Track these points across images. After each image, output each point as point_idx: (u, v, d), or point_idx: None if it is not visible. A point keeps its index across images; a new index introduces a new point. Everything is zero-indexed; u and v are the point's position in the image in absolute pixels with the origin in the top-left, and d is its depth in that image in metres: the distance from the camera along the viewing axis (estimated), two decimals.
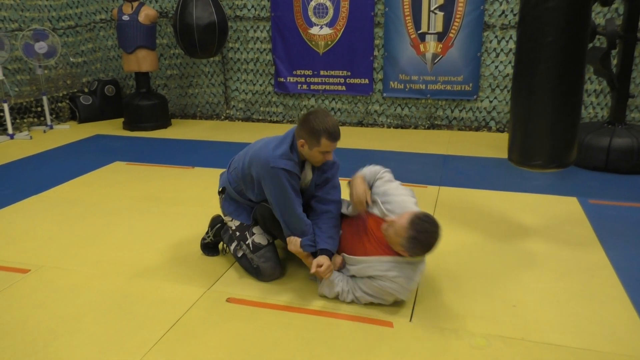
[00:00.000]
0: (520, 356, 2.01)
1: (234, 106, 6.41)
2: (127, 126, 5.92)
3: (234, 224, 2.70)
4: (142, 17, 5.60)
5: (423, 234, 2.14)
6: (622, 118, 4.31)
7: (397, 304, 2.36)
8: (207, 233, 2.92)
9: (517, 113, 2.87)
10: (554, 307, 2.34)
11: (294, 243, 2.45)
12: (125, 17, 5.60)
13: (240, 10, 6.01)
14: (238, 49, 6.16)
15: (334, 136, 2.35)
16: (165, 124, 6.01)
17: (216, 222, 2.91)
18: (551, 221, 3.27)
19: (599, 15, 4.98)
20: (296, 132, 2.43)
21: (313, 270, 2.33)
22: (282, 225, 2.49)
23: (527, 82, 2.77)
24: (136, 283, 2.59)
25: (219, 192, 2.78)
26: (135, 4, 5.63)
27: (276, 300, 2.41)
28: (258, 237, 2.63)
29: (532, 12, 2.65)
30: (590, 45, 4.51)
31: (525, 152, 2.87)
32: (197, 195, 3.83)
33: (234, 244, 2.72)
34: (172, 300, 2.42)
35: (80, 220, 3.40)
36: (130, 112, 5.86)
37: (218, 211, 3.40)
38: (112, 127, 6.07)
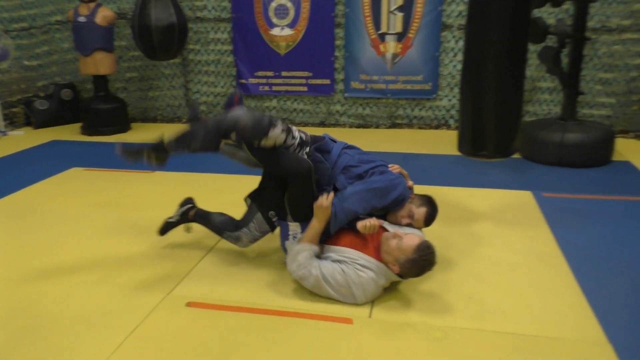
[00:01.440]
0: (476, 346, 2.07)
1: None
2: (86, 131, 5.78)
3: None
4: (99, 19, 5.49)
5: (424, 261, 2.26)
6: (574, 114, 4.48)
7: None
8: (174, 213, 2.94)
9: (465, 107, 3.00)
10: (508, 296, 2.41)
11: (327, 198, 2.41)
12: (82, 19, 5.48)
13: (201, 11, 5.96)
14: (199, 50, 6.10)
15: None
16: (124, 128, 5.91)
17: (186, 203, 2.96)
18: (506, 214, 3.37)
19: (550, 16, 5.15)
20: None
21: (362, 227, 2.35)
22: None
23: (474, 78, 2.89)
24: (93, 291, 2.55)
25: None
26: (92, 5, 5.52)
27: (237, 302, 2.41)
28: None
29: (479, 13, 2.76)
30: (543, 44, 4.66)
31: (473, 143, 3.01)
32: (157, 200, 3.78)
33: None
34: (131, 308, 2.39)
35: (35, 229, 3.31)
36: (89, 116, 5.74)
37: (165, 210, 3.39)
38: (70, 132, 5.93)
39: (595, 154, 4.29)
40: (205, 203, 3.63)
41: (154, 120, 6.44)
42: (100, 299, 2.47)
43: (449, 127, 5.74)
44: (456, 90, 5.64)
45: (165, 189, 3.98)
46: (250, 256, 2.87)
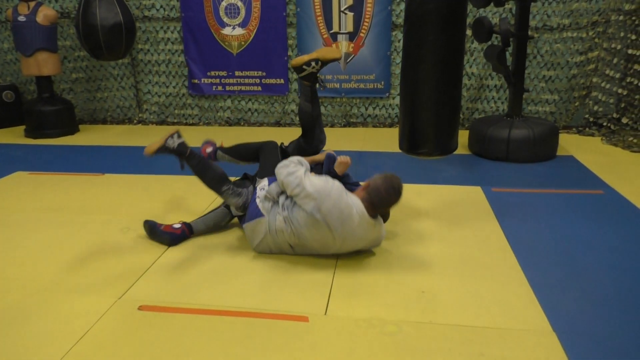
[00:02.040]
0: (428, 338, 2.11)
1: (147, 109, 6.20)
2: (30, 134, 5.55)
3: None
4: (40, 18, 5.28)
5: (390, 182, 2.65)
6: (519, 111, 4.64)
7: (312, 298, 2.39)
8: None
9: (405, 105, 3.05)
10: (459, 289, 2.47)
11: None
12: (22, 18, 5.25)
13: (149, 11, 5.82)
14: (148, 50, 5.97)
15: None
16: (72, 130, 5.71)
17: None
18: (456, 209, 3.46)
19: (495, 15, 5.31)
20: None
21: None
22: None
23: (412, 77, 2.95)
24: (39, 298, 2.45)
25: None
26: (32, 4, 5.30)
27: (190, 304, 2.37)
28: None
29: (415, 13, 2.82)
30: (488, 43, 4.81)
31: (413, 141, 3.06)
32: (107, 202, 3.67)
33: None
34: (79, 313, 2.31)
35: None
36: (33, 118, 5.51)
37: (130, 216, 3.33)
38: (13, 135, 5.68)
39: (541, 149, 4.45)
40: (156, 205, 3.57)
41: (104, 121, 6.26)
42: (47, 305, 2.37)
43: None
44: None
45: (115, 192, 3.87)
46: (203, 256, 2.83)
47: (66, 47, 5.99)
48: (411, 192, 3.78)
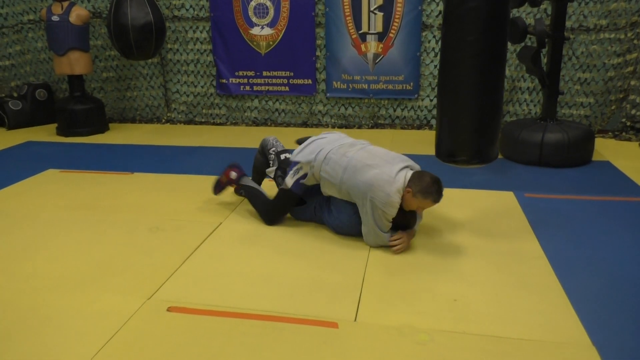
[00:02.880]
0: (461, 349, 2.05)
1: (175, 109, 6.25)
2: (61, 132, 5.65)
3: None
4: (73, 18, 5.36)
5: (434, 183, 2.81)
6: (554, 114, 4.51)
7: (341, 303, 2.35)
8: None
9: (443, 111, 2.95)
10: (493, 299, 2.40)
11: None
12: (55, 18, 5.34)
13: (178, 10, 5.86)
14: (177, 50, 6.01)
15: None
16: (102, 128, 5.78)
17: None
18: (489, 215, 3.37)
19: (529, 16, 5.19)
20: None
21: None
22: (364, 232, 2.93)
23: (451, 80, 2.85)
24: (70, 297, 2.46)
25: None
26: (66, 4, 5.38)
27: (219, 307, 2.35)
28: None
29: (455, 12, 2.73)
30: (522, 44, 4.69)
31: (451, 148, 2.96)
32: (136, 201, 3.69)
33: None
34: (110, 313, 2.32)
35: (9, 233, 3.20)
36: (64, 117, 5.60)
37: (159, 216, 3.34)
38: (45, 133, 5.78)
39: (576, 153, 4.32)
40: (184, 205, 3.57)
41: (133, 120, 6.32)
42: (78, 304, 2.39)
43: (431, 127, 5.74)
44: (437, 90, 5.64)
45: (144, 191, 3.89)
46: (232, 259, 2.81)
47: (97, 47, 6.07)
48: (445, 198, 3.70)
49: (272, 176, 3.36)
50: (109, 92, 6.26)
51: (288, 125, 6.03)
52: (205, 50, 5.97)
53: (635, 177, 4.04)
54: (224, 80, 6.00)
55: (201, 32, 5.91)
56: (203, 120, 6.21)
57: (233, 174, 3.43)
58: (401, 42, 5.56)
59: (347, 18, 5.58)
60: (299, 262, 2.78)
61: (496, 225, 3.22)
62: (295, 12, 5.66)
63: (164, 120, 6.26)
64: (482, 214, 3.41)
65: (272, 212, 3.23)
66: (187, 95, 6.17)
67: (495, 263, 2.75)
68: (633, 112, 5.15)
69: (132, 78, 6.20)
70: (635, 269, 2.65)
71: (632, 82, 5.10)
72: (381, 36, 5.58)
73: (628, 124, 5.17)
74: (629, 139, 5.06)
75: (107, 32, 5.75)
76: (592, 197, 3.65)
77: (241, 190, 3.44)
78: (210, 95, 6.13)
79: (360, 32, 5.60)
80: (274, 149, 3.40)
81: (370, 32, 5.59)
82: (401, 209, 2.84)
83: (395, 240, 2.84)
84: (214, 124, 6.18)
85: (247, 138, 5.51)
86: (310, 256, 2.83)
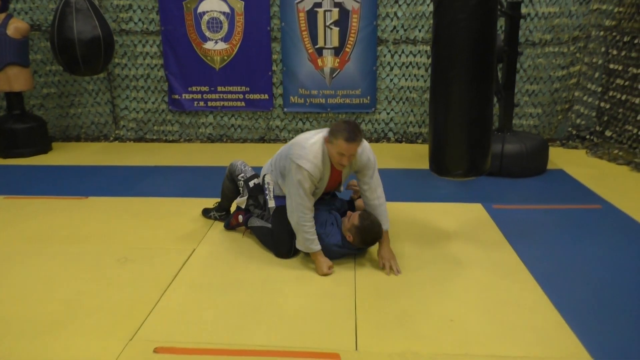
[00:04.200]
0: None
1: (124, 126, 5.94)
2: (0, 153, 5.22)
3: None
4: (11, 31, 4.98)
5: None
6: (510, 125, 4.67)
7: (339, 332, 2.28)
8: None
9: (436, 127, 2.97)
10: (487, 317, 2.41)
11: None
12: None
13: (126, 24, 5.60)
14: (126, 64, 5.73)
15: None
16: (45, 148, 5.40)
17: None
18: (464, 229, 3.41)
19: None
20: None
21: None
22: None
23: (444, 96, 2.89)
24: (41, 343, 2.23)
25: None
26: (2, 16, 5.00)
27: (211, 344, 2.21)
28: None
29: (446, 32, 2.76)
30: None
31: (446, 163, 2.99)
32: (97, 229, 3.44)
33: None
34: (89, 359, 2.12)
35: None
36: (3, 137, 5.18)
37: (125, 244, 3.15)
38: None
39: (533, 163, 4.48)
40: (151, 231, 3.37)
41: (77, 139, 5.95)
42: (50, 352, 2.17)
43: (388, 140, 5.80)
44: (394, 103, 5.71)
45: (104, 217, 3.64)
46: (214, 289, 2.67)
47: (37, 61, 5.68)
48: (414, 210, 3.73)
49: (243, 207, 3.24)
50: (50, 109, 5.86)
51: (245, 141, 5.89)
52: (156, 65, 5.73)
53: (589, 184, 4.24)
54: (176, 96, 5.78)
55: (151, 46, 5.67)
56: (154, 137, 5.95)
57: (240, 217, 3.28)
58: (357, 57, 5.58)
59: (303, 33, 5.54)
60: (285, 289, 2.68)
61: (473, 238, 3.26)
62: (250, 26, 5.55)
63: (111, 138, 5.94)
64: (456, 227, 3.44)
65: (278, 242, 2.99)
66: (137, 112, 5.89)
67: (481, 279, 2.77)
68: (578, 121, 5.43)
69: (76, 94, 5.85)
70: (614, 275, 2.76)
71: (576, 93, 5.38)
72: (337, 51, 5.58)
73: (574, 132, 5.45)
74: (576, 147, 5.32)
75: (48, 46, 5.41)
76: (555, 206, 3.79)
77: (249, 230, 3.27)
78: (161, 112, 5.88)
79: (316, 46, 5.58)
80: (242, 174, 3.27)
81: (327, 46, 5.57)
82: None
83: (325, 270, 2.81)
84: (166, 141, 5.93)
85: (202, 155, 5.33)
86: (297, 282, 2.74)
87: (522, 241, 3.20)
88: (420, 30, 5.44)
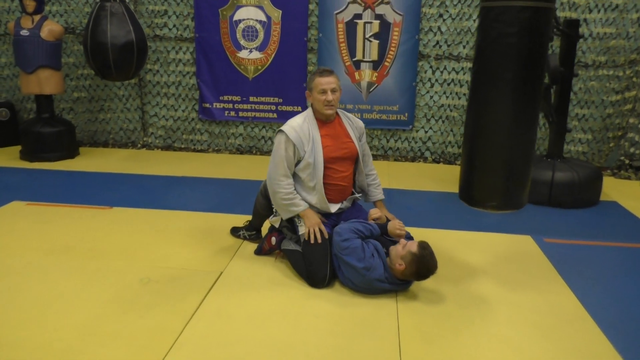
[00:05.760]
0: None
1: (152, 133, 5.80)
2: (26, 156, 5.11)
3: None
4: (45, 33, 4.89)
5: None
6: (560, 152, 4.35)
7: None
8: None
9: (471, 151, 2.69)
10: None
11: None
12: (25, 32, 4.86)
13: (161, 30, 5.47)
14: (157, 71, 5.60)
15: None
16: (72, 153, 5.28)
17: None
18: (514, 264, 3.11)
19: None
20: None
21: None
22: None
23: (481, 118, 2.61)
24: None
25: None
26: (37, 18, 4.92)
27: None
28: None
29: (491, 47, 2.50)
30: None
31: (479, 192, 2.70)
32: (121, 243, 3.25)
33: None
34: None
35: None
36: (30, 139, 5.07)
37: (149, 262, 2.94)
38: (7, 158, 5.23)
39: (585, 193, 4.16)
40: (177, 248, 3.15)
41: (105, 144, 5.83)
42: None
43: (425, 159, 5.52)
44: (432, 122, 5.45)
45: (128, 230, 3.45)
46: (243, 320, 2.43)
47: (69, 64, 5.59)
48: (455, 239, 3.45)
49: (277, 226, 3.01)
50: (80, 113, 5.76)
51: None
52: (188, 73, 5.58)
53: None
54: (207, 105, 5.62)
55: (184, 53, 5.53)
56: (183, 146, 5.79)
57: (273, 240, 3.06)
58: (396, 72, 5.35)
59: (341, 44, 5.33)
60: (321, 325, 2.42)
61: (525, 276, 2.96)
62: (286, 36, 5.37)
63: (139, 145, 5.80)
64: (507, 263, 3.15)
65: (311, 269, 2.74)
66: (167, 119, 5.74)
67: (539, 325, 2.47)
68: (632, 150, 5.08)
69: (106, 99, 5.73)
70: None
71: (631, 120, 5.03)
72: (376, 64, 5.35)
73: (627, 162, 5.09)
74: (629, 178, 4.97)
75: (81, 50, 5.31)
76: (614, 243, 3.46)
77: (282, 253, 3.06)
78: (191, 120, 5.72)
79: (354, 59, 5.36)
80: None
81: (365, 59, 5.35)
82: None
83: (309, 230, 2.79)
84: (194, 150, 5.76)
85: (231, 167, 5.14)
86: (333, 318, 2.48)
87: (580, 282, 2.89)
88: (464, 47, 5.18)
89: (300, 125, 2.81)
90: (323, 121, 2.87)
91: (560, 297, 2.74)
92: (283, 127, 2.83)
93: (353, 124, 3.00)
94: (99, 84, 5.68)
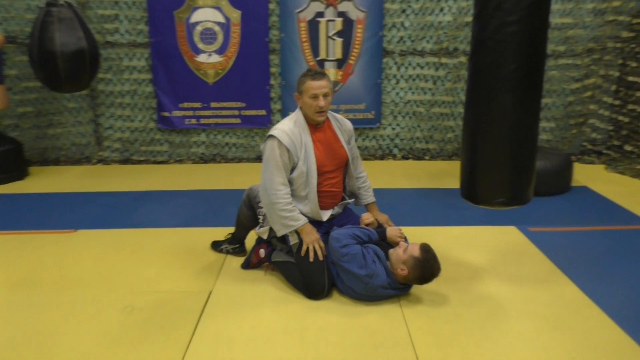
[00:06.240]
0: None
1: (108, 147, 5.46)
2: None
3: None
4: None
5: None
6: None
7: None
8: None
9: (473, 146, 2.61)
10: None
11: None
12: None
13: (112, 35, 5.15)
14: (110, 80, 5.26)
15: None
16: (21, 174, 4.86)
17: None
18: (507, 257, 3.08)
19: None
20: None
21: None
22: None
23: (485, 113, 2.54)
24: None
25: None
26: None
27: None
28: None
29: (493, 37, 2.43)
30: None
31: (485, 189, 2.63)
32: (95, 269, 2.98)
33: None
34: None
35: None
36: None
37: (129, 288, 2.70)
38: None
39: (558, 180, 4.22)
40: (156, 268, 2.90)
41: (56, 162, 5.42)
42: None
43: (394, 157, 5.47)
44: (399, 118, 5.40)
45: (98, 254, 3.17)
46: (244, 344, 2.25)
47: (11, 77, 5.15)
48: (447, 237, 3.39)
49: (266, 237, 2.83)
50: (27, 130, 5.32)
51: (240, 160, 5.47)
52: (143, 80, 5.28)
53: (620, 201, 3.99)
54: (166, 113, 5.34)
55: (139, 59, 5.22)
56: (142, 158, 5.48)
57: (262, 252, 2.87)
58: (361, 69, 5.26)
59: (304, 44, 5.20)
60: (330, 338, 2.28)
61: (522, 268, 2.94)
62: (246, 37, 5.18)
63: (94, 161, 5.44)
64: (500, 254, 3.11)
65: (308, 280, 2.59)
66: (123, 131, 5.41)
67: (547, 317, 2.43)
68: (593, 135, 5.22)
69: (55, 113, 5.34)
70: None
71: (591, 107, 5.17)
72: (340, 63, 5.25)
73: (589, 147, 5.23)
74: (592, 162, 5.10)
75: (24, 60, 4.91)
76: (596, 227, 3.51)
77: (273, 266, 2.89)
78: (149, 131, 5.42)
79: (317, 58, 5.24)
80: None
81: (329, 58, 5.24)
82: None
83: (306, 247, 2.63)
84: (154, 162, 5.46)
85: (197, 177, 4.90)
86: (339, 330, 2.34)
87: (576, 270, 2.89)
88: (428, 42, 5.16)
89: (291, 130, 2.65)
90: (314, 126, 2.72)
91: (560, 286, 2.72)
92: (273, 132, 2.64)
93: (342, 127, 2.87)
94: (47, 97, 5.27)
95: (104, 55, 5.14)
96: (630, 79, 4.83)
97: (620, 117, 4.98)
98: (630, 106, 4.85)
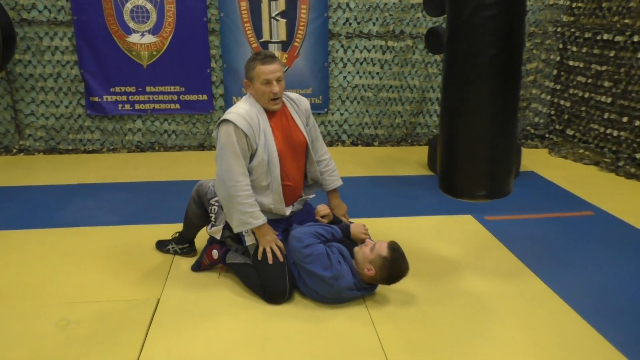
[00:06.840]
0: None
1: (30, 135, 4.94)
2: None
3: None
4: None
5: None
6: None
7: None
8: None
9: (451, 138, 2.51)
10: None
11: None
12: None
13: (28, 12, 4.61)
14: (29, 62, 4.74)
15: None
16: None
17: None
18: (467, 249, 3.02)
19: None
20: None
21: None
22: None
23: (462, 102, 2.43)
24: None
25: None
26: None
27: None
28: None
29: (470, 21, 2.30)
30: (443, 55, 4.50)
31: (464, 182, 2.53)
32: (21, 277, 2.62)
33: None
34: None
35: None
36: None
37: (63, 299, 2.40)
38: None
39: None
40: (94, 274, 2.58)
41: None
42: None
43: (343, 143, 5.33)
44: (348, 103, 5.26)
45: (23, 257, 2.82)
46: (201, 356, 2.03)
47: None
48: (404, 228, 3.30)
49: (219, 238, 2.59)
50: None
51: (181, 148, 5.14)
52: (68, 62, 4.80)
53: (567, 186, 4.06)
54: (95, 98, 4.89)
55: (61, 39, 4.73)
56: (70, 147, 5.01)
57: (215, 253, 2.61)
58: (307, 52, 5.05)
59: (246, 25, 4.90)
60: (295, 347, 2.10)
61: (483, 260, 2.88)
62: (183, 17, 4.81)
63: (15, 150, 4.92)
64: (459, 245, 3.05)
65: (268, 282, 2.39)
66: (47, 118, 4.92)
67: (514, 312, 2.38)
68: (536, 119, 5.31)
69: None
70: None
71: (534, 91, 5.24)
72: (285, 45, 5.01)
73: (532, 131, 5.32)
74: (536, 146, 5.19)
75: None
76: (548, 215, 3.53)
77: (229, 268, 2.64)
78: (77, 117, 4.96)
79: (261, 40, 4.96)
80: (216, 199, 2.62)
81: (273, 40, 4.98)
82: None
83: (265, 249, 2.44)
84: (84, 151, 5.01)
85: (134, 168, 4.53)
86: (304, 337, 2.18)
87: (537, 261, 2.87)
88: (374, 24, 5.02)
89: (248, 113, 2.39)
90: (270, 112, 2.50)
91: (523, 278, 2.68)
92: (227, 116, 2.38)
93: (298, 108, 2.64)
94: None
95: (20, 34, 4.61)
96: (571, 63, 4.93)
97: (562, 102, 5.09)
98: (572, 90, 4.95)
